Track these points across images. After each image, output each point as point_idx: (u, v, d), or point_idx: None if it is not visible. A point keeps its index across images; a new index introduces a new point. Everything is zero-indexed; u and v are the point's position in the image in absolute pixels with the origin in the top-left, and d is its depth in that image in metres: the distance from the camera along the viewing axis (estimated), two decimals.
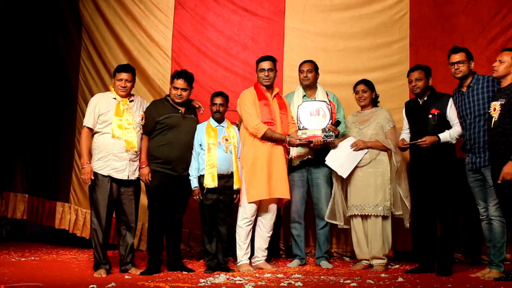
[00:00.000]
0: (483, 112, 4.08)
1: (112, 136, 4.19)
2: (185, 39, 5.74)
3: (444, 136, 4.23)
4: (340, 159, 4.50)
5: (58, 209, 6.13)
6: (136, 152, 4.29)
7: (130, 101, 4.35)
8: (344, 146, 4.53)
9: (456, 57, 4.20)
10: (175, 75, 4.44)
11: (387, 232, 4.49)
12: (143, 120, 4.37)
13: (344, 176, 4.48)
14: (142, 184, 4.44)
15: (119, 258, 4.38)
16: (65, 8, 6.24)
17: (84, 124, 4.24)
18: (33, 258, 5.17)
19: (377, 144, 4.50)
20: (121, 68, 4.38)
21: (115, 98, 4.29)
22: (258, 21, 5.68)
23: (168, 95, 4.50)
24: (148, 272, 4.21)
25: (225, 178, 4.41)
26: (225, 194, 4.43)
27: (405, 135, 4.53)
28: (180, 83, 4.38)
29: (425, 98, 4.39)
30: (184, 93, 4.40)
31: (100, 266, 4.16)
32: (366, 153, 4.49)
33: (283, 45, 5.56)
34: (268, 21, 5.65)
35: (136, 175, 4.33)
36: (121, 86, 4.29)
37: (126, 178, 4.26)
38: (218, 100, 4.51)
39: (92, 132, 4.27)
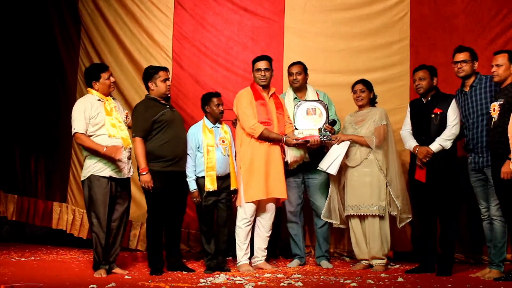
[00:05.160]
0: (485, 112, 4.08)
1: (108, 136, 4.15)
2: (186, 39, 5.74)
3: (436, 147, 4.23)
4: (328, 160, 4.51)
5: (55, 209, 6.10)
6: (131, 149, 4.28)
7: (113, 99, 4.35)
8: (333, 148, 4.53)
9: (460, 56, 4.20)
10: (159, 69, 4.42)
11: (385, 232, 4.50)
12: (128, 118, 4.36)
13: (333, 172, 4.46)
14: (138, 184, 4.41)
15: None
16: (64, 7, 6.24)
17: (76, 130, 4.10)
18: (33, 258, 5.17)
19: (360, 139, 4.49)
20: (104, 67, 4.35)
21: (99, 100, 4.23)
22: (258, 21, 5.67)
23: (148, 95, 4.45)
24: (156, 272, 4.19)
25: (222, 179, 4.42)
26: (223, 194, 4.44)
27: (405, 132, 4.53)
28: (166, 73, 4.40)
29: (429, 98, 4.39)
30: (170, 84, 4.44)
31: (100, 267, 4.14)
32: (349, 146, 4.48)
33: (283, 45, 5.55)
34: (268, 21, 5.64)
35: (132, 173, 4.31)
36: (112, 83, 4.28)
37: (126, 177, 4.26)
38: (220, 100, 4.52)
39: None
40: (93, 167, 4.14)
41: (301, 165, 4.70)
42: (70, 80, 6.15)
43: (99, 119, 4.16)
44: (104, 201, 4.13)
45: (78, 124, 4.12)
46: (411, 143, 4.41)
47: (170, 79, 4.44)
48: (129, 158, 4.27)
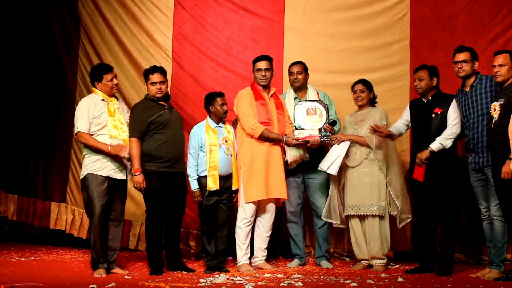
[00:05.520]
0: (486, 112, 4.08)
1: (110, 137, 4.15)
2: (185, 39, 5.74)
3: (437, 146, 4.24)
4: (329, 160, 4.51)
5: (53, 209, 6.08)
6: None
7: (117, 100, 4.35)
8: (333, 148, 4.53)
9: (461, 56, 4.20)
10: (149, 71, 4.41)
11: (385, 232, 4.50)
12: None
13: (333, 173, 4.47)
14: (129, 184, 4.39)
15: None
16: (63, 7, 6.24)
17: (79, 129, 4.12)
18: (33, 258, 5.17)
19: (360, 139, 4.50)
20: (108, 68, 4.34)
21: (103, 100, 4.24)
22: (258, 21, 5.67)
23: (147, 95, 4.46)
24: (156, 272, 4.19)
25: (225, 179, 4.42)
26: (225, 194, 4.45)
27: (397, 124, 4.54)
28: (157, 77, 4.36)
29: (430, 98, 4.40)
30: (163, 86, 4.38)
31: (99, 266, 4.13)
32: (349, 146, 4.48)
33: (283, 45, 5.55)
34: (267, 21, 5.64)
35: (131, 175, 4.31)
36: (114, 85, 4.27)
37: (125, 178, 4.25)
38: (223, 100, 4.52)
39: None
40: (91, 166, 4.14)
41: (301, 164, 4.69)
42: (70, 80, 6.15)
43: (102, 119, 4.17)
44: (101, 199, 4.12)
45: (81, 123, 4.14)
46: (391, 128, 4.46)
47: (165, 82, 4.39)
48: (129, 160, 4.27)
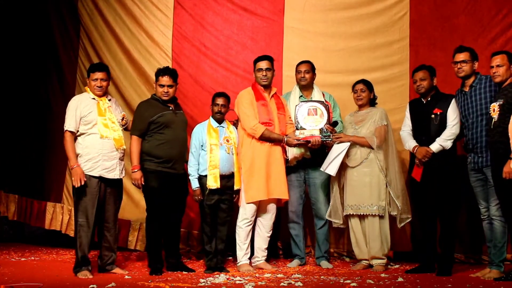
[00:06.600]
0: (485, 112, 4.09)
1: (100, 136, 4.12)
2: (185, 39, 5.74)
3: (436, 147, 4.24)
4: (328, 160, 4.52)
5: (48, 209, 6.06)
6: (124, 150, 4.26)
7: (109, 100, 4.30)
8: (333, 149, 4.54)
9: (461, 57, 4.21)
10: (160, 73, 4.40)
11: (385, 232, 4.50)
12: (124, 120, 4.35)
13: (332, 173, 4.48)
14: (129, 184, 4.37)
15: (98, 257, 4.32)
16: (63, 7, 6.24)
17: (66, 128, 4.13)
18: (33, 258, 5.16)
19: (361, 140, 4.50)
20: (95, 68, 4.29)
21: (93, 99, 4.21)
22: (258, 20, 5.67)
23: (155, 94, 4.46)
24: (155, 272, 4.19)
25: (226, 179, 4.43)
26: (226, 194, 4.46)
27: (404, 132, 4.53)
28: (165, 80, 4.36)
29: (429, 98, 4.40)
30: (171, 90, 4.37)
31: (82, 268, 4.07)
32: (349, 146, 4.48)
33: (282, 45, 5.55)
34: (267, 21, 5.64)
35: (124, 174, 4.30)
36: (97, 86, 4.19)
37: (118, 177, 4.22)
38: (220, 101, 4.52)
39: (74, 135, 4.18)
40: (83, 166, 4.09)
41: (302, 161, 4.70)
42: (69, 80, 6.14)
43: (90, 118, 4.14)
44: (93, 201, 4.09)
45: (69, 122, 4.14)
46: (410, 143, 4.42)
47: (173, 86, 4.37)
48: (121, 159, 4.26)
